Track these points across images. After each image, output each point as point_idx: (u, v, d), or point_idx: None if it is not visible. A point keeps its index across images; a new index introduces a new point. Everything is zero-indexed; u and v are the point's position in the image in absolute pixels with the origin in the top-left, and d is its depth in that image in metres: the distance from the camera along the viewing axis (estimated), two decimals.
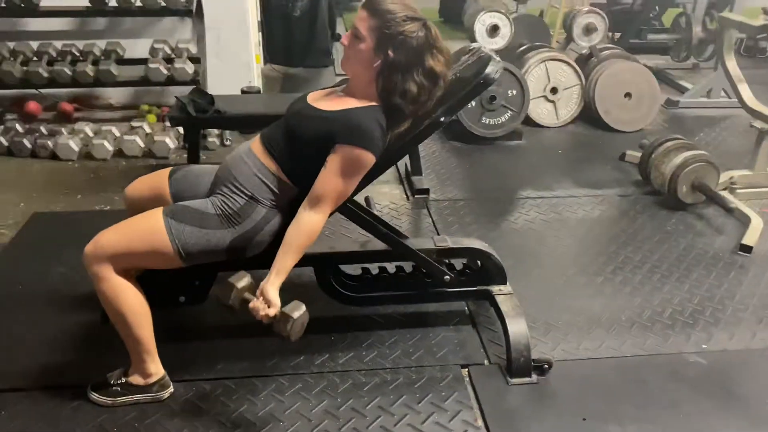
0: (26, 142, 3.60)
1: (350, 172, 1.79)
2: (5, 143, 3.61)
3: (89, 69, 3.73)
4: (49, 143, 3.59)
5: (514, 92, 3.82)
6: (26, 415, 1.88)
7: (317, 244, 2.10)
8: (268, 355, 2.13)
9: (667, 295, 2.53)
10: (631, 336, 2.29)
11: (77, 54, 3.88)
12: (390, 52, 1.78)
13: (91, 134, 3.75)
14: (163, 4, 3.78)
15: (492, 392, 2.01)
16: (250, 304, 1.71)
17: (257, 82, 4.58)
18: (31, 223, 2.95)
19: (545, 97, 4.17)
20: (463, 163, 3.73)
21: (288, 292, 2.41)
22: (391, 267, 2.25)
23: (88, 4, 3.77)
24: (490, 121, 3.85)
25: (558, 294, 2.52)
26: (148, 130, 3.81)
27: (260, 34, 4.89)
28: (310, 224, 1.79)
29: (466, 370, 2.12)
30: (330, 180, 1.78)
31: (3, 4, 3.72)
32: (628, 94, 4.14)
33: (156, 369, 1.92)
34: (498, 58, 1.84)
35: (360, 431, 1.86)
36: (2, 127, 3.77)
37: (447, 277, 2.17)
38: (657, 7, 5.06)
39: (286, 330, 1.69)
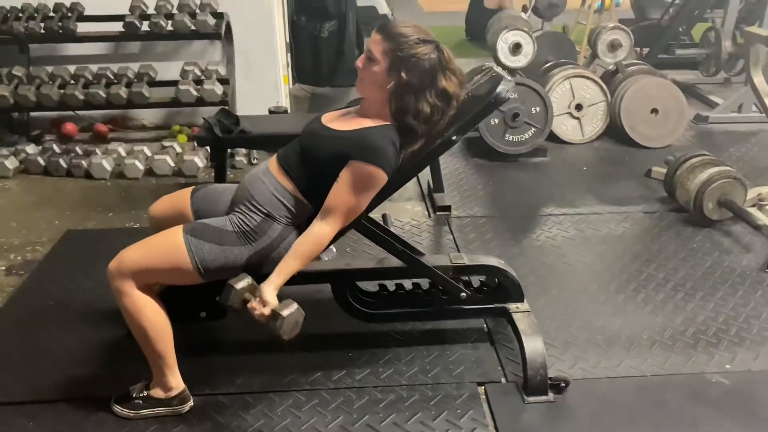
0: (62, 162, 3.73)
1: (362, 188, 1.82)
2: (42, 163, 3.75)
3: (122, 91, 3.86)
4: (84, 163, 3.72)
5: (538, 109, 3.82)
6: (52, 426, 1.95)
7: (335, 261, 2.15)
8: (287, 371, 2.16)
9: (690, 313, 2.49)
10: (652, 355, 2.26)
11: (112, 77, 4.01)
12: (403, 74, 1.82)
13: (123, 154, 3.87)
14: (193, 27, 3.90)
15: (508, 410, 2.01)
16: (249, 304, 1.74)
17: (285, 102, 4.68)
18: (64, 240, 3.06)
19: (570, 113, 4.16)
20: (486, 180, 3.73)
21: (306, 308, 2.47)
22: (407, 284, 2.28)
23: (122, 29, 3.91)
24: (513, 138, 3.86)
25: (578, 312, 2.50)
26: (178, 149, 3.92)
27: (288, 55, 5.00)
28: (317, 234, 1.83)
29: (483, 387, 2.12)
30: (341, 193, 1.81)
31: (42, 31, 3.88)
32: (654, 110, 4.10)
33: (176, 383, 1.97)
34: (509, 78, 1.86)
35: None
36: (40, 147, 3.92)
37: (463, 294, 2.18)
38: (686, 23, 5.00)
39: (277, 328, 1.71)
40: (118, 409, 1.97)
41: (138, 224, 3.21)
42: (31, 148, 3.88)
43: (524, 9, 6.00)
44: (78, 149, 3.89)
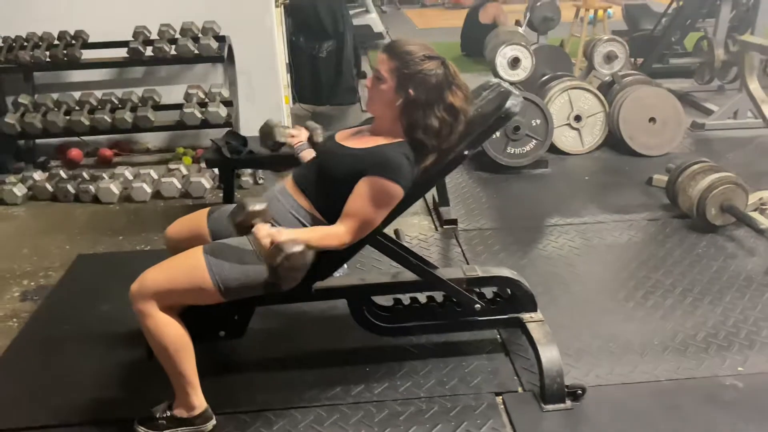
0: (70, 188, 3.77)
1: (378, 202, 1.86)
2: (50, 189, 3.78)
3: (128, 116, 3.91)
4: (91, 188, 3.75)
5: (538, 121, 3.88)
6: None
7: (350, 276, 2.19)
8: (306, 387, 2.19)
9: (700, 318, 2.53)
10: (665, 360, 2.29)
11: (116, 102, 4.07)
12: (410, 91, 1.87)
13: (130, 177, 3.91)
14: (196, 51, 3.95)
15: (526, 419, 2.04)
16: (255, 228, 1.74)
17: (287, 122, 4.73)
18: (76, 265, 3.09)
19: (569, 125, 4.22)
20: (490, 192, 3.78)
21: (323, 324, 2.50)
22: (422, 297, 2.31)
23: (126, 55, 3.97)
24: (515, 151, 3.91)
25: (589, 320, 2.54)
26: (184, 171, 3.96)
27: (288, 75, 5.06)
28: (331, 229, 1.87)
29: (500, 397, 2.14)
30: (357, 203, 1.85)
31: (47, 59, 3.93)
32: (652, 119, 4.17)
33: (199, 402, 1.99)
34: (517, 93, 1.91)
35: None
36: (47, 173, 3.96)
37: (477, 305, 2.22)
38: (678, 32, 5.09)
39: (275, 260, 1.68)
40: (141, 430, 1.98)
41: (149, 246, 3.24)
42: (38, 175, 3.91)
43: (517, 23, 6.11)
44: (85, 174, 3.92)
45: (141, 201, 3.76)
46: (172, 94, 4.29)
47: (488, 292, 2.34)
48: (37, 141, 4.32)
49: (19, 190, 3.75)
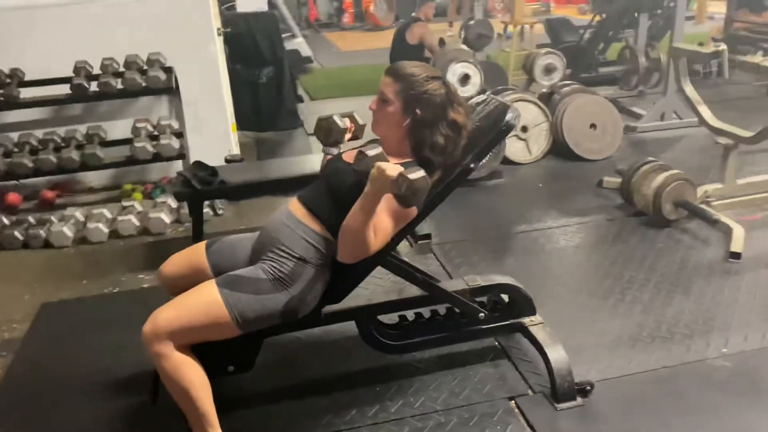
0: (17, 234, 3.55)
1: (395, 215, 1.87)
2: None
3: (74, 154, 3.74)
4: (41, 232, 3.55)
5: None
6: None
7: (356, 298, 2.18)
8: (320, 414, 2.16)
9: (677, 307, 2.69)
10: (656, 349, 2.42)
11: (59, 141, 3.88)
12: (418, 111, 1.92)
13: (82, 218, 3.73)
14: (144, 84, 3.84)
15: (544, 420, 2.10)
16: (378, 165, 1.73)
17: (236, 150, 4.67)
18: (42, 315, 2.91)
19: (517, 135, 4.39)
20: (454, 206, 3.84)
21: (322, 349, 2.47)
22: (425, 312, 2.34)
23: (69, 92, 3.80)
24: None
25: (576, 320, 2.64)
26: (139, 208, 3.82)
27: None
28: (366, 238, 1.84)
29: (513, 402, 2.20)
30: (378, 215, 1.84)
31: None
32: (593, 125, 4.40)
33: None
34: (514, 106, 1.99)
35: None
36: None
37: (482, 314, 2.27)
38: (602, 43, 5.41)
39: (401, 188, 1.69)
40: None
41: (117, 288, 3.10)
42: None
43: (441, 42, 6.29)
44: (31, 219, 3.71)
45: (98, 242, 3.59)
46: (116, 129, 4.14)
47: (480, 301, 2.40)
48: None
49: None
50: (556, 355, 2.19)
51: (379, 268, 2.09)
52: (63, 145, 3.86)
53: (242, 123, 5.49)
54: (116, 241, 3.62)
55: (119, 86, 3.84)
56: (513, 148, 4.40)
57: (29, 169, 3.73)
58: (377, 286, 2.79)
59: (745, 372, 2.28)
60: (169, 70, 3.98)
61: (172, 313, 1.83)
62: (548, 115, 4.42)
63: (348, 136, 2.26)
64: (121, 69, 3.92)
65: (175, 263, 2.13)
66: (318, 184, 2.04)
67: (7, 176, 3.75)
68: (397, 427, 2.10)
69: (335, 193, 1.95)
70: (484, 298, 2.39)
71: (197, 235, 3.20)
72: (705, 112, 3.52)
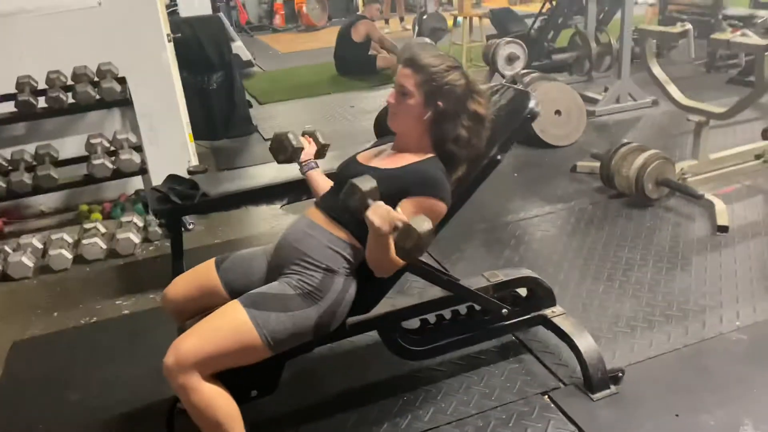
0: None
1: None
2: None
3: (26, 177, 3.44)
4: None
5: None
6: None
7: (378, 306, 2.07)
8: (354, 429, 2.04)
9: (681, 284, 2.70)
10: (673, 329, 2.42)
11: (5, 164, 3.57)
12: (439, 103, 1.83)
13: (39, 246, 3.45)
14: (98, 97, 3.58)
15: (583, 412, 2.05)
16: (373, 205, 1.61)
17: (195, 161, 4.45)
18: (14, 355, 2.65)
19: None
20: None
21: (338, 363, 2.35)
22: (446, 313, 2.24)
23: (14, 109, 3.50)
24: None
25: (587, 306, 2.61)
26: (102, 229, 3.56)
27: None
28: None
29: (547, 397, 2.14)
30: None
31: None
32: (557, 112, 4.42)
33: None
34: (534, 93, 1.93)
35: None
36: None
37: (505, 310, 2.20)
38: (552, 31, 5.46)
39: (407, 243, 1.57)
40: None
41: (95, 317, 2.87)
42: None
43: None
44: None
45: (61, 270, 3.32)
46: (66, 147, 3.85)
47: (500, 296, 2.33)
48: None
49: None
50: (586, 344, 2.15)
51: None
52: (10, 168, 3.56)
53: (195, 132, 5.23)
54: (81, 267, 3.35)
55: (70, 101, 3.56)
56: None
57: None
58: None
59: (763, 343, 2.30)
60: (122, 81, 3.73)
61: (196, 341, 1.67)
62: None
63: (306, 155, 2.15)
64: (70, 82, 3.65)
65: (183, 285, 1.95)
66: (335, 189, 1.91)
67: None
68: None
69: None
70: (503, 294, 2.32)
71: (177, 253, 3.00)
72: (674, 91, 3.58)
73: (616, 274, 2.83)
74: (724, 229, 3.06)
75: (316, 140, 2.19)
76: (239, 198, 2.87)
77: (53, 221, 3.96)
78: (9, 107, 3.54)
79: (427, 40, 4.53)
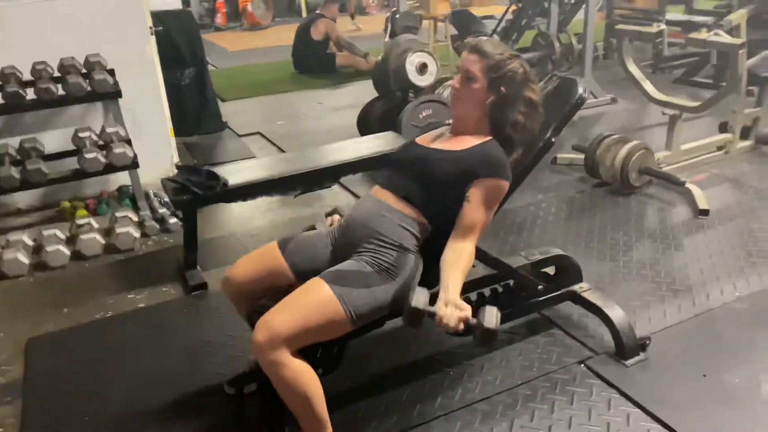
0: None
1: (492, 202, 1.90)
2: None
3: (14, 171, 3.31)
4: None
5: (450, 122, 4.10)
6: None
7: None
8: (409, 406, 2.13)
9: (679, 262, 2.93)
10: (681, 301, 2.62)
11: None
12: (502, 89, 1.94)
13: (30, 243, 3.33)
14: (89, 89, 3.49)
15: (620, 377, 2.21)
16: (439, 315, 1.68)
17: (176, 156, 4.40)
18: (32, 351, 2.56)
19: None
20: None
21: (381, 344, 2.41)
22: (485, 291, 2.36)
23: (2, 101, 3.36)
24: None
25: (599, 284, 2.76)
26: (95, 224, 3.47)
27: None
28: (468, 251, 1.85)
29: (584, 365, 2.29)
30: (477, 212, 1.87)
31: None
32: None
33: None
34: (581, 81, 2.08)
35: None
36: None
37: (540, 286, 2.34)
38: (516, 33, 5.70)
39: (486, 341, 1.68)
40: None
41: (110, 312, 2.81)
42: None
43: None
44: None
45: (58, 266, 3.21)
46: (49, 141, 3.72)
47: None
48: None
49: None
50: (616, 314, 2.32)
51: None
52: None
53: None
54: (79, 264, 3.26)
55: (60, 92, 3.45)
56: None
57: None
58: None
59: (763, 310, 2.55)
60: (112, 73, 3.65)
61: (286, 317, 1.71)
62: None
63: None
64: (56, 74, 3.53)
65: (249, 267, 1.98)
66: (400, 170, 1.98)
67: None
68: (489, 406, 2.11)
69: (425, 179, 1.91)
70: (536, 272, 2.46)
71: (191, 245, 2.99)
72: (649, 87, 3.84)
73: (618, 255, 3.03)
74: (705, 212, 3.33)
75: (340, 214, 2.17)
76: (258, 188, 2.88)
77: (32, 219, 3.82)
78: None
79: (413, 36, 4.60)
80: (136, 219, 3.54)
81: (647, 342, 2.32)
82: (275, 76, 7.41)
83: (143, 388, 2.31)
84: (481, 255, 2.16)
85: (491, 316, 1.67)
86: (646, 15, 7.00)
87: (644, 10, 7.23)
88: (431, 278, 2.01)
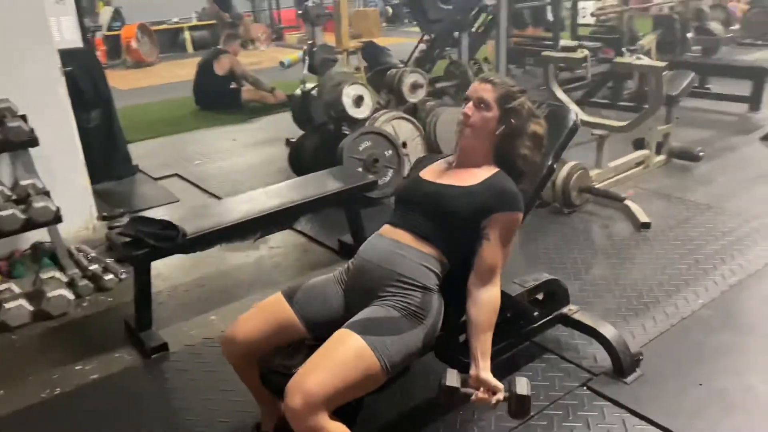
0: None
1: (509, 237, 1.87)
2: None
3: None
4: None
5: (390, 152, 4.08)
6: None
7: None
8: None
9: (638, 275, 3.04)
10: (654, 313, 2.71)
11: None
12: (513, 120, 1.91)
13: None
14: (2, 137, 3.11)
15: (626, 395, 2.23)
16: (474, 397, 1.71)
17: (94, 207, 4.04)
18: None
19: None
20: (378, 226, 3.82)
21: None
22: None
23: None
24: (379, 183, 4.02)
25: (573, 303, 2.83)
26: (17, 289, 3.07)
27: None
28: (493, 299, 1.81)
29: (586, 388, 2.29)
30: (498, 251, 1.83)
31: None
32: None
33: None
34: (573, 107, 2.11)
35: None
36: None
37: (536, 312, 2.33)
38: (429, 63, 5.81)
39: (520, 412, 1.74)
40: None
41: (57, 389, 2.47)
42: None
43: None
44: None
45: None
46: None
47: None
48: None
49: None
50: (610, 333, 2.35)
51: None
52: None
53: None
54: (5, 336, 2.86)
55: None
56: None
57: None
58: None
59: (727, 313, 2.69)
60: (25, 119, 3.28)
61: (322, 377, 1.56)
62: (420, 128, 4.62)
63: None
64: None
65: (254, 324, 1.81)
66: (412, 208, 1.90)
67: None
68: None
69: (441, 216, 1.85)
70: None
71: (145, 303, 2.72)
72: (576, 109, 4.02)
73: (581, 273, 3.10)
74: (647, 225, 3.50)
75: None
76: (216, 235, 2.68)
77: None
78: None
79: (348, 69, 4.53)
80: (65, 279, 3.18)
81: (640, 357, 2.37)
82: (178, 114, 7.07)
83: None
84: None
85: (522, 387, 1.71)
86: (535, 42, 7.43)
87: (536, 37, 7.67)
88: (447, 315, 1.95)
